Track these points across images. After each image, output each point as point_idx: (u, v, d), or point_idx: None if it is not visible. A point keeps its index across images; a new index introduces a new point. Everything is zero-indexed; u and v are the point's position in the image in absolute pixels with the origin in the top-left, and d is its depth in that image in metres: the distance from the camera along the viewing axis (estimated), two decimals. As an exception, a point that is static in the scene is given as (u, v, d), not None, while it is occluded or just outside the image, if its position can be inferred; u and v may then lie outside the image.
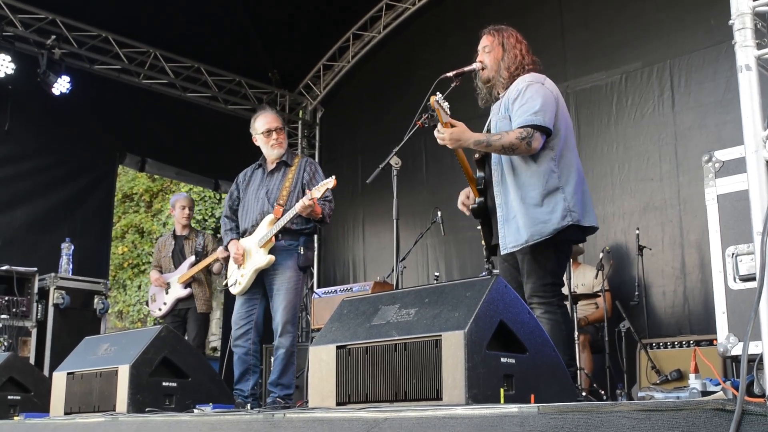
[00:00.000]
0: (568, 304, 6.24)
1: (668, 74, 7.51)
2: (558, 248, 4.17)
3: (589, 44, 8.16)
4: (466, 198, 4.49)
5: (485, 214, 4.38)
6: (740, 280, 2.67)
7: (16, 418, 4.86)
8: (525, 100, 4.17)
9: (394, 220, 4.56)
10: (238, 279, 5.51)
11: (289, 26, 9.84)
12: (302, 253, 5.42)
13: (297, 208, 5.23)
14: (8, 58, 8.04)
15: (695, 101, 7.32)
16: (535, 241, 4.06)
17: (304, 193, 5.39)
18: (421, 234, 7.83)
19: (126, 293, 18.41)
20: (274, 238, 5.38)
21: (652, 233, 7.32)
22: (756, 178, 2.34)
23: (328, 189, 5.28)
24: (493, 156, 4.27)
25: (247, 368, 5.35)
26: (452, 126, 4.13)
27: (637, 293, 6.82)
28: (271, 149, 5.63)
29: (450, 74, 4.45)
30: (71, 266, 8.02)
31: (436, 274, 8.27)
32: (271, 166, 5.66)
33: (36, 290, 7.52)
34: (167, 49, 9.50)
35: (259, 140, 5.72)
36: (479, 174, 4.43)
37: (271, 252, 5.40)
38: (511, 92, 4.28)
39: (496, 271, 5.51)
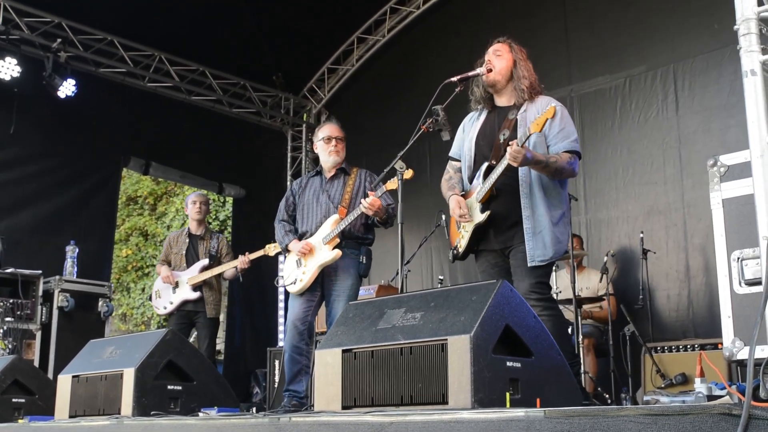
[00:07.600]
0: (571, 307, 6.26)
1: (672, 78, 7.51)
2: None
3: (593, 48, 8.16)
4: (460, 208, 4.41)
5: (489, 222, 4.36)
6: (746, 284, 2.67)
7: (20, 421, 4.86)
8: (564, 124, 4.27)
9: (399, 224, 4.56)
10: (299, 277, 5.51)
11: (294, 30, 9.85)
12: (364, 262, 5.50)
13: (365, 204, 5.25)
14: (14, 61, 8.06)
15: (699, 105, 7.32)
16: (555, 259, 4.25)
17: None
18: (425, 237, 7.84)
19: (130, 296, 18.42)
20: (338, 238, 5.41)
21: (657, 237, 7.31)
22: (761, 182, 2.35)
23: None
24: (521, 169, 4.24)
25: (300, 369, 5.35)
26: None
27: (641, 297, 6.79)
28: (328, 156, 5.69)
29: (454, 79, 4.45)
30: (76, 269, 8.03)
31: (441, 277, 8.25)
32: (330, 173, 5.72)
33: (41, 293, 7.53)
34: (172, 53, 9.53)
35: (318, 147, 5.79)
36: (487, 183, 4.30)
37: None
38: (541, 109, 4.22)
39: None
